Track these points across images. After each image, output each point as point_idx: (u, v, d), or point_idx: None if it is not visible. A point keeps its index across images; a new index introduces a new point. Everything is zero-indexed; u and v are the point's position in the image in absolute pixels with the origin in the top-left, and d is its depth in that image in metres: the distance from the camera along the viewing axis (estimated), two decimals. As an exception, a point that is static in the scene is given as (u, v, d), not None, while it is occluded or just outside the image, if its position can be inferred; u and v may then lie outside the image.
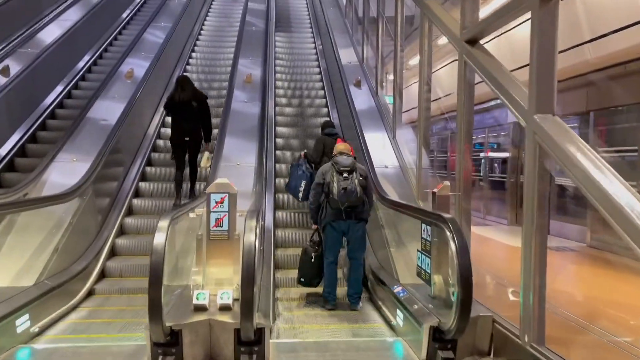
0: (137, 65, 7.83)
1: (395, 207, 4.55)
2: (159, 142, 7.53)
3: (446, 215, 3.14)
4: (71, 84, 8.01)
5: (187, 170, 5.97)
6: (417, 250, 3.75)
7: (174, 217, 3.14)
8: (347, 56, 9.16)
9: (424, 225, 3.61)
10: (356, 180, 4.47)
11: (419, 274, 3.74)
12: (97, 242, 5.19)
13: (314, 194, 4.67)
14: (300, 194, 5.62)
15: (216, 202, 3.59)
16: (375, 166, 5.83)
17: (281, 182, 6.97)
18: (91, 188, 5.17)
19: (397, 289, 4.03)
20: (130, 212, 6.15)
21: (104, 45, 9.29)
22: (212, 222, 3.58)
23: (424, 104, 5.18)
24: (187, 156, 5.93)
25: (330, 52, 9.96)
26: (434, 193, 3.97)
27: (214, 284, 3.59)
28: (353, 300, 4.59)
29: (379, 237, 5.22)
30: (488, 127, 12.58)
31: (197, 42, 10.94)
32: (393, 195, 5.19)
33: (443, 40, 9.08)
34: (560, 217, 9.27)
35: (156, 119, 7.86)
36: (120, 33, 9.95)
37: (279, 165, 7.28)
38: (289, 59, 10.80)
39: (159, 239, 2.86)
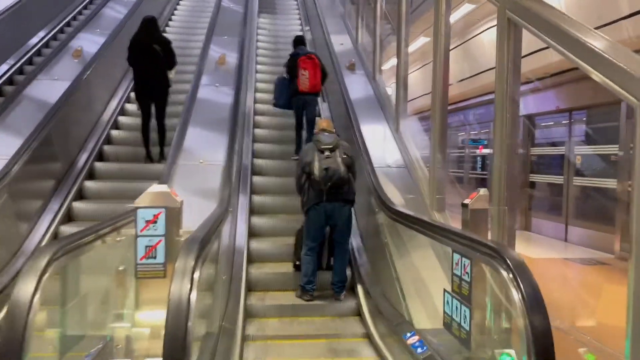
0: (89, 43, 6.57)
1: (409, 223, 3.33)
2: (114, 132, 6.29)
3: (509, 253, 1.96)
4: (23, 60, 6.81)
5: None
6: (446, 291, 2.58)
7: (61, 251, 1.92)
8: (338, 37, 7.95)
9: (457, 255, 2.45)
10: (339, 159, 4.20)
11: (447, 326, 2.57)
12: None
13: (297, 176, 4.37)
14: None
15: (147, 222, 2.40)
16: (375, 165, 4.67)
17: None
18: (6, 191, 3.94)
19: (413, 340, 2.88)
20: (70, 219, 4.92)
21: (66, 20, 8.04)
22: (141, 252, 2.39)
23: (441, 87, 4.01)
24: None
25: (319, 34, 8.74)
26: (465, 205, 2.80)
27: (147, 341, 2.43)
28: (337, 289, 4.30)
29: (381, 255, 4.07)
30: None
31: (169, 23, 9.72)
32: (399, 201, 4.04)
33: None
34: (582, 222, 8.19)
35: (112, 105, 6.62)
36: (85, 7, 8.67)
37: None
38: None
39: (21, 296, 1.64)
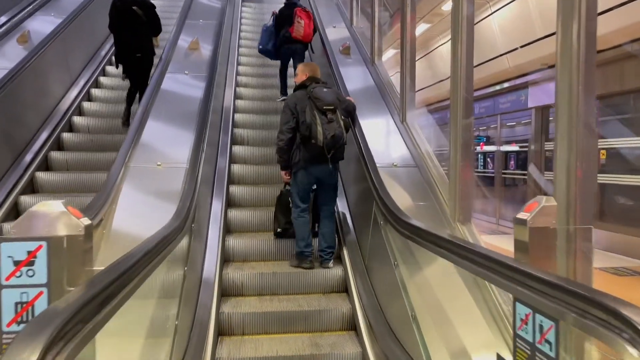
0: (40, 27, 5.63)
1: (438, 248, 2.28)
2: (66, 136, 5.35)
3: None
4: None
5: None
6: (499, 357, 1.66)
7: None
8: (331, 20, 7.01)
9: (524, 308, 1.53)
10: (342, 122, 3.91)
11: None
12: None
13: (285, 129, 3.91)
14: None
15: (16, 265, 1.47)
16: (378, 165, 3.75)
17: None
18: None
19: None
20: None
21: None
22: (7, 313, 1.45)
23: (464, 64, 3.08)
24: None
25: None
26: (521, 221, 1.88)
27: None
28: (326, 256, 4.00)
29: (390, 280, 3.16)
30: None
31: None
32: (409, 209, 3.12)
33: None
34: (606, 224, 7.30)
35: (69, 99, 5.69)
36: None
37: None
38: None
39: None
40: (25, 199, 4.33)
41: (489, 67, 8.65)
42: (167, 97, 4.52)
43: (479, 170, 11.59)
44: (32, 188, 4.60)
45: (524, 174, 9.88)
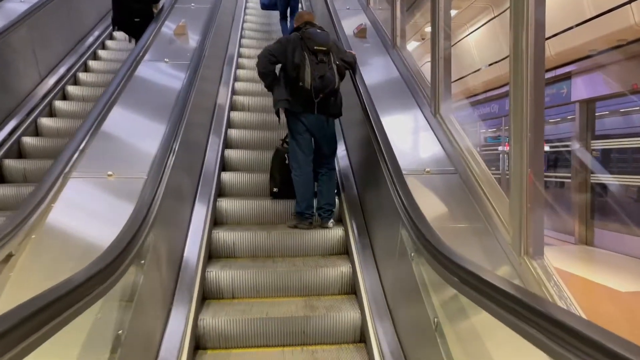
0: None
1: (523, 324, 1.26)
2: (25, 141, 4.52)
3: None
4: None
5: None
6: None
7: None
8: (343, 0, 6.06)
9: None
10: (334, 65, 3.65)
11: None
12: None
13: (264, 62, 3.68)
14: None
15: None
16: (405, 171, 2.79)
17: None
18: None
19: None
20: None
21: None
22: None
23: (532, 35, 2.09)
24: None
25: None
26: None
27: None
28: (325, 214, 3.77)
29: (423, 340, 2.20)
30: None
31: None
32: (451, 237, 2.17)
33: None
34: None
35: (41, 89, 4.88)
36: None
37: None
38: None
39: None
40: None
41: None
42: (138, 86, 3.64)
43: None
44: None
45: (567, 177, 8.77)
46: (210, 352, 2.84)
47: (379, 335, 2.72)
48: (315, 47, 3.59)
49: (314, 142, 3.80)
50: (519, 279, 2.07)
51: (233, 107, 5.35)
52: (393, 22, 4.54)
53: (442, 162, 2.99)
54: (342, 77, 3.72)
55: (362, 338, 2.95)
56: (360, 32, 4.91)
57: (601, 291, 5.13)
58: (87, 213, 2.44)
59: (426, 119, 3.42)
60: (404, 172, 2.81)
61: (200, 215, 3.58)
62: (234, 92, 5.63)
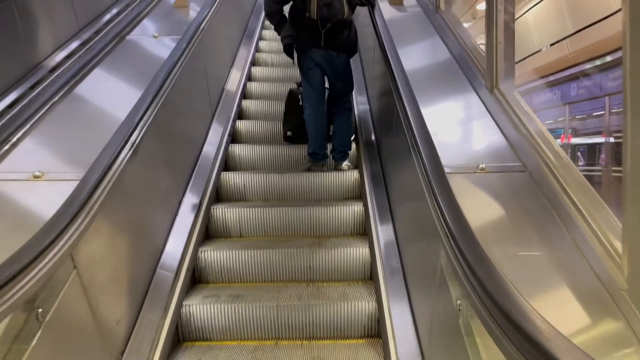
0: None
1: None
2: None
3: None
4: None
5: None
6: None
7: None
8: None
9: None
10: None
11: None
12: None
13: (269, 2, 3.59)
14: None
15: None
16: (449, 169, 1.93)
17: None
18: None
19: None
20: None
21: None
22: None
23: None
24: None
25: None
26: None
27: None
28: (338, 155, 3.71)
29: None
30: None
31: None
32: (520, 271, 1.32)
33: None
34: None
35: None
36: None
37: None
38: None
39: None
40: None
41: (599, 30, 6.43)
42: (113, 67, 2.93)
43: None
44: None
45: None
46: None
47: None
48: None
49: (327, 81, 3.73)
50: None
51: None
52: (435, -20, 3.62)
53: (504, 155, 2.09)
54: (352, 9, 3.57)
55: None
56: (396, -2, 4.03)
57: None
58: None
59: (479, 97, 2.52)
60: (446, 170, 1.95)
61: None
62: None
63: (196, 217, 3.03)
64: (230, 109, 4.24)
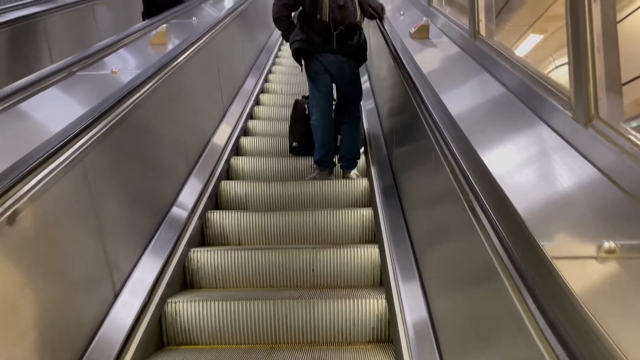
0: None
1: None
2: None
3: None
4: None
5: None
6: None
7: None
8: None
9: None
10: (356, 1, 3.44)
11: None
12: None
13: (278, 7, 3.52)
14: None
15: None
16: (545, 246, 1.08)
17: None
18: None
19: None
20: None
21: None
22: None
23: None
24: None
25: None
26: None
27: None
28: (346, 163, 3.71)
29: None
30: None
31: None
32: None
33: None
34: None
35: None
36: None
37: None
38: None
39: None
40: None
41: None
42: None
43: None
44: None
45: None
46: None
47: None
48: None
49: (336, 88, 3.72)
50: None
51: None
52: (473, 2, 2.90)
53: (635, 225, 1.23)
54: (364, 14, 3.50)
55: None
56: (421, 31, 3.33)
57: None
58: None
59: (562, 136, 1.69)
60: (549, 254, 1.09)
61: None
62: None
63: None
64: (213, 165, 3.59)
